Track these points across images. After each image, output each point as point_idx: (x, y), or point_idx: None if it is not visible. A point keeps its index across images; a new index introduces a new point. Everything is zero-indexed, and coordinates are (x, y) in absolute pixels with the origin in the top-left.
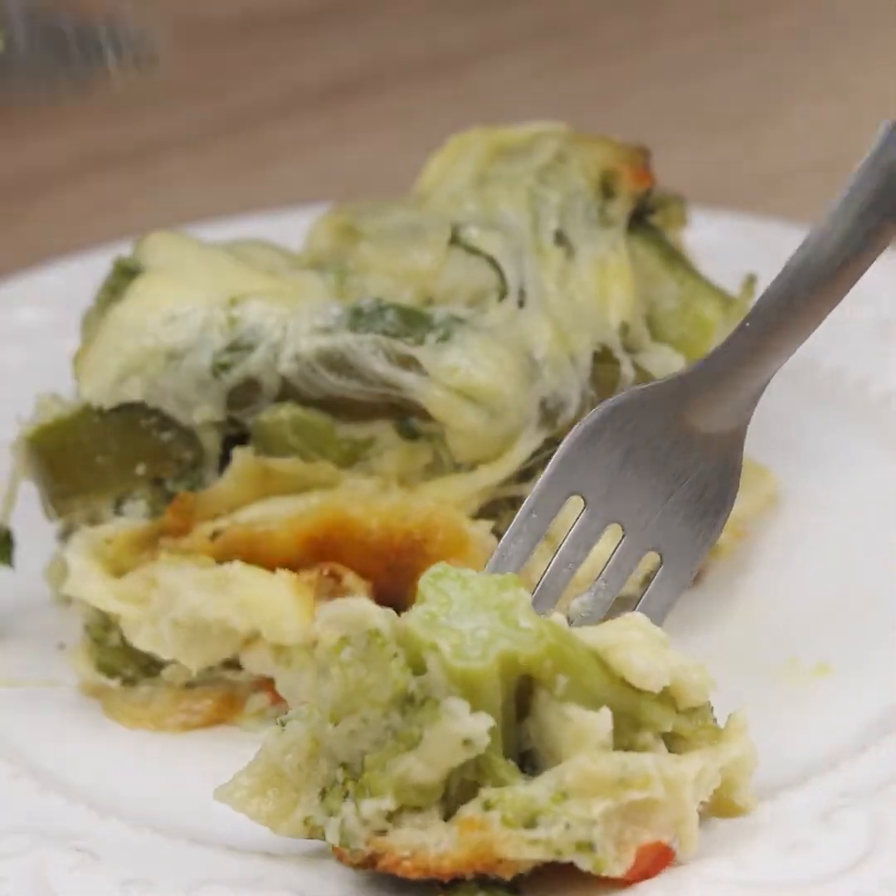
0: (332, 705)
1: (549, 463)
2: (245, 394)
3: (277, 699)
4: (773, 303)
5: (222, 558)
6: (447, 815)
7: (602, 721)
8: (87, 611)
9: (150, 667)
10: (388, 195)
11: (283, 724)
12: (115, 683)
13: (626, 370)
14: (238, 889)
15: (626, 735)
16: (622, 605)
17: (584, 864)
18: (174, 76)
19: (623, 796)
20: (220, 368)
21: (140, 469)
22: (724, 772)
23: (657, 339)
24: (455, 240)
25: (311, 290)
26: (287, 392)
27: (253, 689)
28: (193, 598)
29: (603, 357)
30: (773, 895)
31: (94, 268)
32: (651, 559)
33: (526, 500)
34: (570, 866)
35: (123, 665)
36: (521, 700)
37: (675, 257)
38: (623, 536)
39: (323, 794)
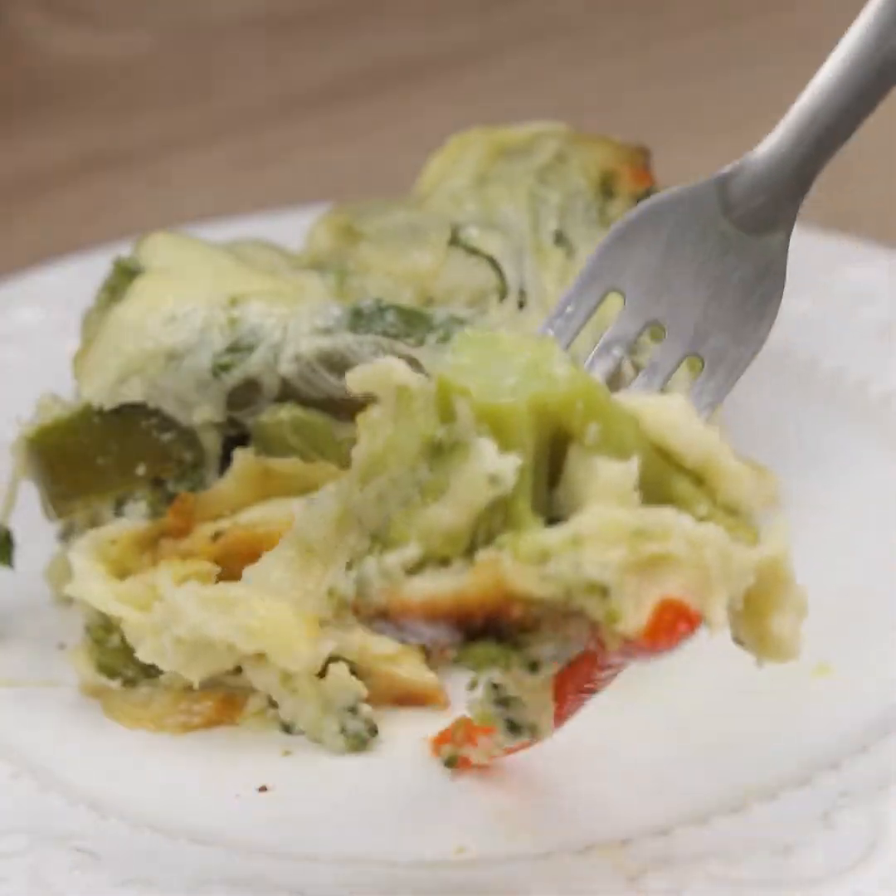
0: (361, 468)
1: (587, 258)
2: (245, 394)
3: None
4: (808, 104)
5: (223, 559)
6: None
7: (628, 470)
8: (88, 611)
9: (150, 668)
10: (388, 195)
11: (312, 499)
12: (115, 684)
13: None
14: (238, 889)
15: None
16: None
17: (597, 612)
18: (174, 76)
19: (641, 548)
20: (221, 369)
21: (140, 470)
22: (759, 573)
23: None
24: (455, 240)
25: (311, 290)
26: (287, 392)
27: (253, 689)
28: (196, 617)
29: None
30: (773, 895)
31: (94, 268)
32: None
33: (563, 294)
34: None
35: (124, 666)
36: (554, 466)
37: None
38: (663, 336)
39: (349, 565)
